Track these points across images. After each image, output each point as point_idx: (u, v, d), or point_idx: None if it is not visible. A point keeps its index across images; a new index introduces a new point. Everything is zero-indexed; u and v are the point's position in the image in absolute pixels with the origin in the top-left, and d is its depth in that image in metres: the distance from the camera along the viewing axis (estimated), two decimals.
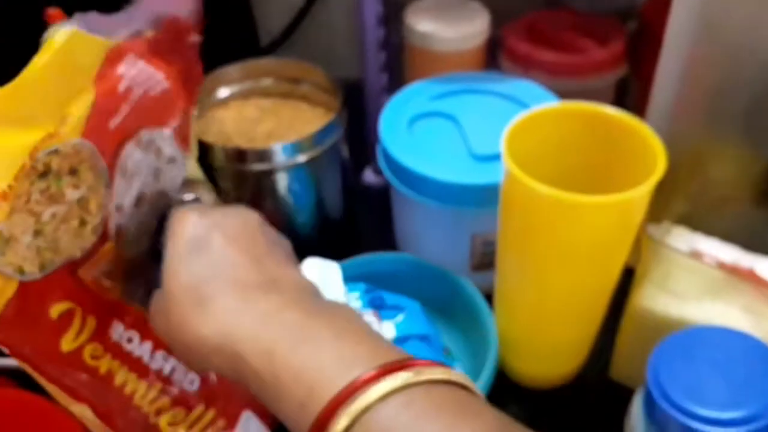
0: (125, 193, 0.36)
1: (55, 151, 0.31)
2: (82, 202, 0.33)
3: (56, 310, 0.33)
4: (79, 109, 0.32)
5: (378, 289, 0.47)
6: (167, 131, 0.39)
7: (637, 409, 0.38)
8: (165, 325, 0.32)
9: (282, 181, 0.50)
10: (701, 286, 0.39)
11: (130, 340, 0.37)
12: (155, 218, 0.39)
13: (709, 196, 0.44)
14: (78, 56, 0.32)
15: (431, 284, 0.49)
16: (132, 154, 0.36)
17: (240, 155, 0.48)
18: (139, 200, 0.38)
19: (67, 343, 0.34)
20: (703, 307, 0.39)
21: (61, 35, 0.31)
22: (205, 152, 0.47)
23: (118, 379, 0.36)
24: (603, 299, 0.42)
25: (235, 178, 0.50)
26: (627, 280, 0.43)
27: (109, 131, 0.34)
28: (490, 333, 0.45)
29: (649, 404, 0.35)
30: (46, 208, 0.31)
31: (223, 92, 0.55)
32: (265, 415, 0.42)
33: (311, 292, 0.34)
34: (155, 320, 0.33)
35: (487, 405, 0.28)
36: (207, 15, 0.41)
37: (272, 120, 0.53)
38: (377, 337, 0.30)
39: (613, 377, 0.46)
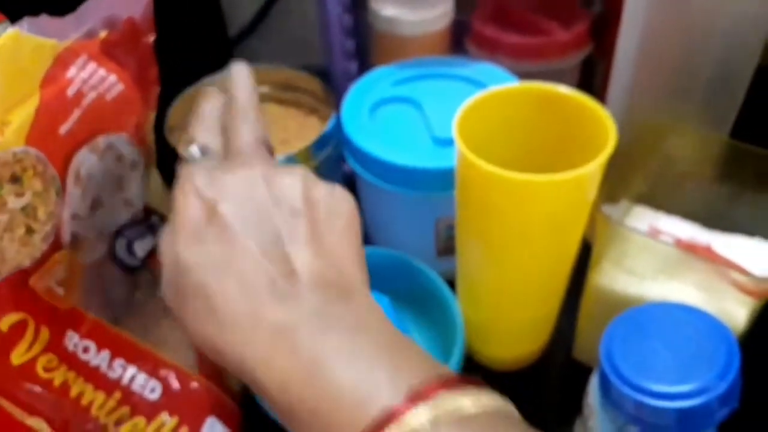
0: (80, 201, 0.36)
1: None
2: (27, 210, 0.33)
3: (6, 322, 0.33)
4: (21, 115, 0.32)
5: None
6: (126, 135, 0.38)
7: (594, 387, 0.38)
8: (182, 324, 0.29)
9: None
10: (657, 264, 0.40)
11: (86, 350, 0.36)
12: (115, 224, 0.39)
13: (669, 174, 0.45)
14: (20, 60, 0.32)
15: (398, 276, 0.49)
16: (86, 161, 0.36)
17: None
18: (96, 206, 0.37)
19: (18, 357, 0.33)
20: (660, 285, 0.39)
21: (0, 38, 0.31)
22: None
23: (74, 390, 0.35)
24: (561, 277, 0.42)
25: None
26: (585, 259, 0.43)
27: (59, 137, 0.34)
28: (456, 319, 0.45)
29: (603, 380, 0.35)
30: None
31: None
32: (230, 420, 0.42)
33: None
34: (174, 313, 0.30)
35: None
36: (174, 7, 0.40)
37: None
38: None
39: (576, 357, 0.47)
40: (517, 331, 0.45)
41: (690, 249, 0.40)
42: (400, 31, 0.55)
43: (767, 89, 0.54)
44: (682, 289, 0.38)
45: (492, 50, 0.56)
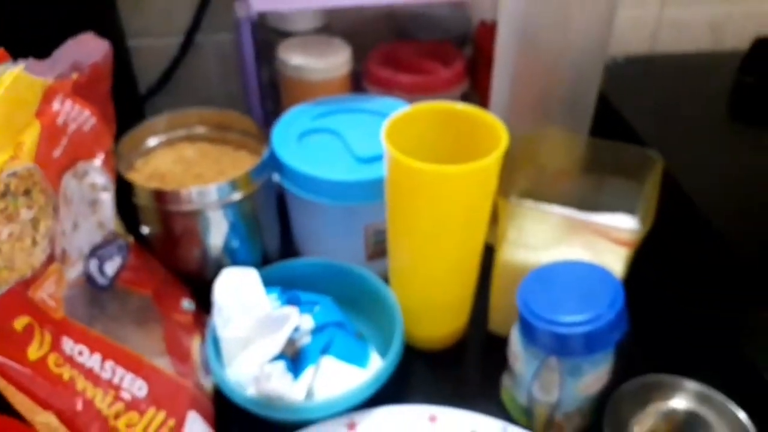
0: (66, 219, 0.41)
1: (14, 173, 0.35)
2: (33, 222, 0.37)
3: (19, 323, 0.37)
4: (30, 137, 0.37)
5: (292, 290, 0.53)
6: (98, 162, 0.43)
7: (514, 336, 0.47)
8: None
9: (221, 219, 0.52)
10: (549, 235, 0.50)
11: (81, 353, 0.40)
12: (90, 244, 0.43)
13: (545, 173, 0.55)
14: (22, 93, 0.37)
15: (337, 280, 0.54)
16: (69, 183, 0.41)
17: (175, 197, 0.50)
18: (75, 227, 0.42)
19: (33, 352, 0.37)
20: (553, 252, 0.49)
21: (9, 74, 0.36)
22: (131, 193, 0.50)
23: (80, 385, 0.39)
24: (475, 259, 0.51)
25: (167, 218, 0.52)
26: (489, 257, 0.53)
27: (53, 160, 0.39)
28: (394, 311, 0.51)
29: (524, 324, 0.44)
30: (3, 227, 0.35)
31: (152, 141, 0.57)
32: (207, 414, 0.46)
33: None
34: None
35: None
36: None
37: (202, 163, 0.56)
38: None
39: (491, 329, 0.56)
40: (442, 312, 0.53)
41: (573, 222, 0.50)
42: (308, 77, 0.63)
43: (607, 104, 0.68)
44: (572, 252, 0.48)
45: (387, 88, 0.66)
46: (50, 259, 0.38)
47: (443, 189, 0.45)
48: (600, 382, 0.46)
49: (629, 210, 0.51)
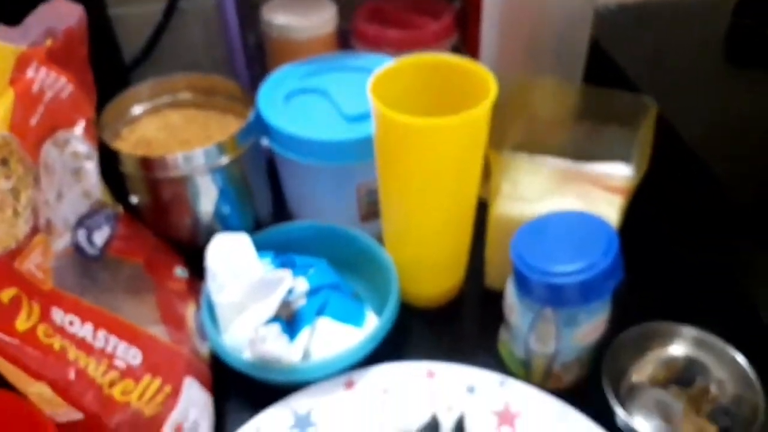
0: (49, 189, 0.40)
1: None
2: (14, 193, 0.37)
3: (6, 295, 0.36)
4: (4, 106, 0.36)
5: (286, 254, 0.52)
6: (78, 130, 0.43)
7: (510, 289, 0.46)
8: None
9: (209, 185, 0.52)
10: (542, 186, 0.49)
11: (72, 323, 0.40)
12: (76, 214, 0.43)
13: (538, 124, 0.54)
14: None
15: (331, 242, 0.54)
16: (50, 152, 0.40)
17: (162, 163, 0.49)
18: (60, 197, 0.41)
19: (21, 324, 0.36)
20: (547, 203, 0.48)
21: None
22: (117, 161, 0.50)
23: (71, 354, 0.39)
24: (468, 214, 0.50)
25: (155, 186, 0.51)
26: (484, 213, 0.52)
27: (31, 128, 0.38)
28: (390, 270, 0.51)
29: (518, 276, 0.44)
30: None
31: (137, 109, 0.56)
32: (204, 379, 0.46)
33: None
34: None
35: None
36: None
37: (188, 128, 0.55)
38: None
39: (488, 285, 0.55)
40: (437, 268, 0.53)
41: (567, 172, 0.50)
42: (293, 36, 0.62)
43: (600, 52, 0.67)
44: (566, 202, 0.48)
45: (375, 45, 0.64)
46: (34, 230, 0.38)
47: (432, 142, 0.44)
48: (597, 332, 0.45)
49: (624, 158, 0.50)
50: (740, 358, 0.46)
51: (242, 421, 0.45)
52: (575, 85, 0.57)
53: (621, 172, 0.47)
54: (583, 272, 0.41)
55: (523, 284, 0.43)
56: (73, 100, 0.41)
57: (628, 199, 0.47)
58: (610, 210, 0.47)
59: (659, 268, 0.57)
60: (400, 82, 0.47)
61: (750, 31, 0.72)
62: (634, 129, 0.50)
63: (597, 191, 0.47)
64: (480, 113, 0.43)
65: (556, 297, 0.42)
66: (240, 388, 0.48)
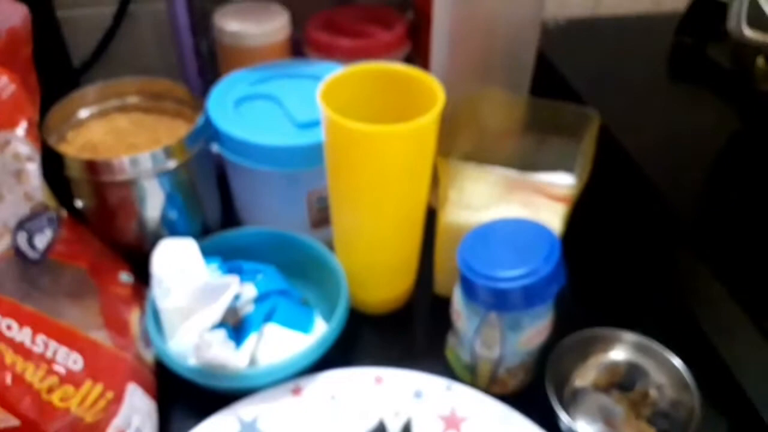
0: None
1: None
2: None
3: None
4: None
5: (234, 260, 0.52)
6: (20, 131, 0.42)
7: (456, 295, 0.47)
8: None
9: (156, 189, 0.51)
10: (489, 194, 0.50)
11: (9, 327, 0.39)
12: (17, 217, 0.42)
13: (486, 135, 0.55)
14: None
15: (280, 248, 0.54)
16: None
17: (107, 167, 0.49)
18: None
19: None
20: (493, 211, 0.49)
21: None
22: (62, 165, 0.49)
23: (8, 359, 0.38)
24: (418, 221, 0.51)
25: (101, 190, 0.50)
26: (432, 222, 0.53)
27: None
28: (339, 276, 0.51)
29: (464, 282, 0.44)
30: None
31: (83, 113, 0.55)
32: (148, 387, 0.45)
33: None
34: None
35: None
36: None
37: (136, 133, 0.54)
38: None
39: (437, 292, 0.56)
40: (387, 274, 0.53)
41: (513, 181, 0.51)
42: (246, 43, 0.62)
43: (547, 64, 0.68)
44: (510, 210, 0.49)
45: (328, 54, 0.65)
46: None
47: (380, 149, 0.44)
48: (540, 337, 0.46)
49: (568, 168, 0.52)
50: (678, 363, 0.47)
51: (187, 429, 0.44)
52: (523, 96, 0.58)
53: (564, 181, 0.49)
54: (526, 277, 0.42)
55: (469, 289, 0.44)
56: (14, 100, 0.41)
57: (571, 208, 0.48)
58: (553, 218, 0.48)
59: (601, 275, 0.58)
60: (349, 89, 0.48)
61: (691, 49, 0.75)
62: (577, 140, 0.52)
63: (541, 200, 0.48)
64: (427, 122, 0.44)
65: (501, 301, 0.43)
66: (185, 396, 0.47)
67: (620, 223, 0.61)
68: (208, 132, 0.53)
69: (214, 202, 0.59)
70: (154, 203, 0.52)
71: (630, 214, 0.60)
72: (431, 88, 0.46)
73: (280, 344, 0.47)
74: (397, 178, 0.47)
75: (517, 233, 0.46)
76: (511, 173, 0.49)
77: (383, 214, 0.49)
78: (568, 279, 0.44)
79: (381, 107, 0.49)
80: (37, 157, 0.43)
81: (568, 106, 0.53)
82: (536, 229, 0.45)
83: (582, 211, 0.51)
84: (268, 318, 0.48)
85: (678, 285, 0.55)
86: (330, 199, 0.51)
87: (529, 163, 0.54)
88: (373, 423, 0.45)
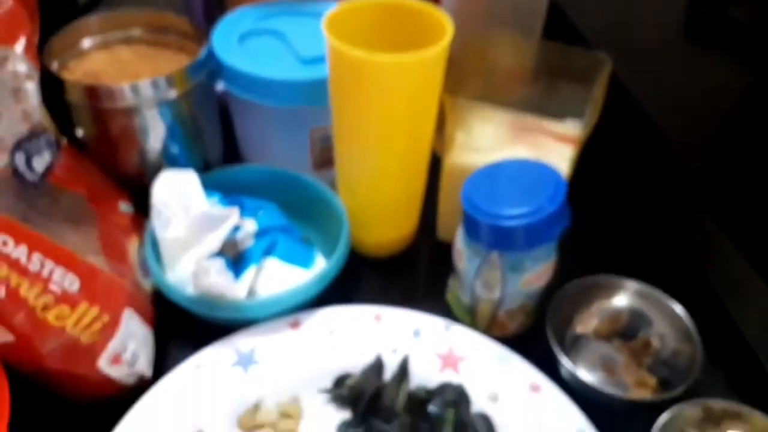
0: None
1: None
2: None
3: None
4: None
5: (235, 195, 0.51)
6: (18, 48, 0.41)
7: (459, 235, 0.46)
8: None
9: (157, 119, 0.50)
10: (496, 136, 0.49)
11: (5, 243, 0.38)
12: (15, 135, 0.41)
13: (495, 78, 0.54)
14: None
15: (282, 187, 0.53)
16: None
17: (108, 93, 0.48)
18: None
19: None
20: (500, 153, 0.48)
21: None
22: (63, 90, 0.48)
23: (2, 272, 0.37)
24: (422, 159, 0.50)
25: (102, 117, 0.49)
26: (437, 167, 0.52)
27: None
28: (341, 214, 0.50)
29: (466, 220, 0.44)
30: None
31: (86, 43, 0.54)
32: (145, 313, 0.45)
33: None
34: None
35: None
36: None
37: (138, 64, 0.53)
38: None
39: (440, 237, 0.55)
40: (390, 215, 0.53)
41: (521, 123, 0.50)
42: None
43: (559, 14, 0.67)
44: (517, 152, 0.48)
45: None
46: None
47: (386, 79, 0.43)
48: (542, 279, 0.46)
49: (577, 114, 0.51)
50: (682, 312, 0.47)
51: (183, 360, 0.44)
52: (533, 40, 0.57)
53: (573, 123, 0.48)
54: (530, 216, 0.42)
55: (472, 227, 0.43)
56: (11, 16, 0.40)
57: (578, 151, 0.47)
58: (561, 161, 0.47)
59: (606, 221, 0.57)
60: (355, 21, 0.46)
61: (710, 10, 0.73)
62: (588, 85, 0.50)
63: (549, 142, 0.47)
64: (435, 53, 0.43)
65: (502, 240, 0.42)
66: (182, 327, 0.47)
67: (628, 171, 0.60)
68: (211, 66, 0.52)
69: (216, 138, 0.58)
70: (155, 134, 0.51)
71: (638, 163, 0.59)
72: (439, 21, 0.45)
73: (279, 278, 0.47)
74: (403, 112, 0.46)
75: (522, 173, 0.45)
76: (519, 114, 0.48)
77: (388, 150, 0.48)
78: (572, 224, 0.43)
79: (387, 40, 0.47)
80: (36, 75, 0.42)
81: (578, 50, 0.52)
82: (542, 170, 0.44)
83: (588, 157, 0.50)
84: (268, 252, 0.48)
85: (685, 236, 0.54)
86: (334, 136, 0.50)
87: (537, 109, 0.53)
88: (370, 358, 0.45)
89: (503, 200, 0.43)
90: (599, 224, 0.57)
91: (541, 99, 0.54)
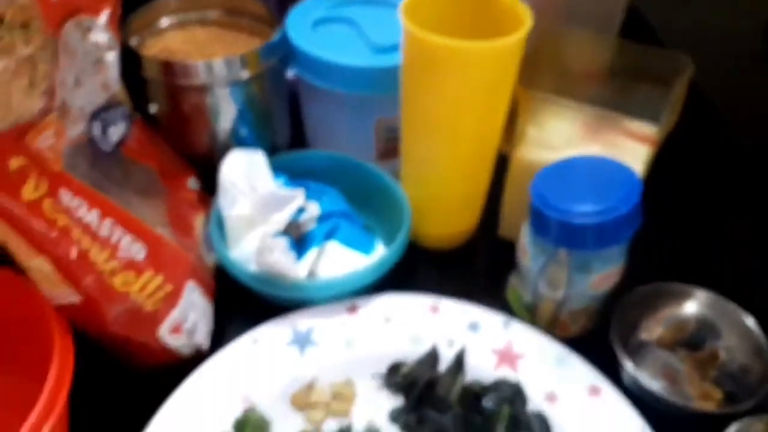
0: (68, 71, 0.39)
1: (12, 1, 0.34)
2: (32, 61, 0.36)
3: (14, 163, 0.36)
4: None
5: (301, 179, 0.52)
6: (102, 19, 0.42)
7: (524, 231, 0.45)
8: None
9: (228, 100, 0.51)
10: (569, 132, 0.48)
11: (78, 207, 0.39)
12: (93, 105, 0.42)
13: (570, 75, 0.53)
14: None
15: (347, 174, 0.53)
16: (72, 34, 0.39)
17: (183, 69, 0.49)
18: (78, 83, 0.41)
19: (28, 193, 0.36)
20: (572, 152, 0.47)
21: None
22: (140, 66, 0.49)
23: (75, 234, 0.38)
24: (489, 155, 0.49)
25: (175, 93, 0.50)
26: (503, 165, 0.51)
27: (53, 1, 0.37)
28: (403, 205, 0.50)
29: (534, 214, 0.43)
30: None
31: (164, 22, 0.55)
32: (207, 287, 0.46)
33: None
34: None
35: None
36: None
37: (213, 46, 0.54)
38: None
39: (502, 234, 0.54)
40: (453, 209, 0.52)
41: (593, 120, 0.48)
42: None
43: (638, 16, 0.65)
44: (591, 151, 0.46)
45: None
46: (49, 107, 0.37)
47: (463, 67, 0.43)
48: (609, 282, 0.44)
49: (654, 116, 0.49)
50: (754, 326, 0.45)
51: (240, 336, 0.44)
52: (611, 38, 0.56)
53: (650, 123, 0.46)
54: (601, 215, 0.40)
55: (539, 223, 0.42)
56: None
57: (655, 152, 0.46)
58: (636, 162, 0.45)
59: (679, 227, 0.55)
60: (431, 9, 0.46)
61: None
62: (667, 87, 0.49)
63: (624, 141, 0.46)
64: (512, 43, 0.42)
65: (572, 238, 0.41)
66: (241, 305, 0.47)
67: (703, 177, 0.57)
68: (284, 50, 0.53)
69: (284, 123, 0.58)
70: (225, 114, 0.51)
71: (714, 168, 0.57)
72: (517, 12, 0.44)
73: (340, 262, 0.46)
74: (476, 103, 0.45)
75: (596, 170, 0.44)
76: (594, 111, 0.47)
77: (457, 141, 0.47)
78: (643, 227, 0.42)
79: (462, 31, 0.47)
80: (117, 47, 0.43)
81: (658, 50, 0.50)
82: (617, 168, 0.43)
83: (663, 160, 0.49)
84: (329, 236, 0.48)
85: (761, 247, 0.51)
86: (402, 127, 0.49)
87: (612, 109, 0.51)
88: (425, 348, 0.44)
89: (574, 197, 0.42)
90: (672, 229, 0.55)
91: (615, 99, 0.52)
